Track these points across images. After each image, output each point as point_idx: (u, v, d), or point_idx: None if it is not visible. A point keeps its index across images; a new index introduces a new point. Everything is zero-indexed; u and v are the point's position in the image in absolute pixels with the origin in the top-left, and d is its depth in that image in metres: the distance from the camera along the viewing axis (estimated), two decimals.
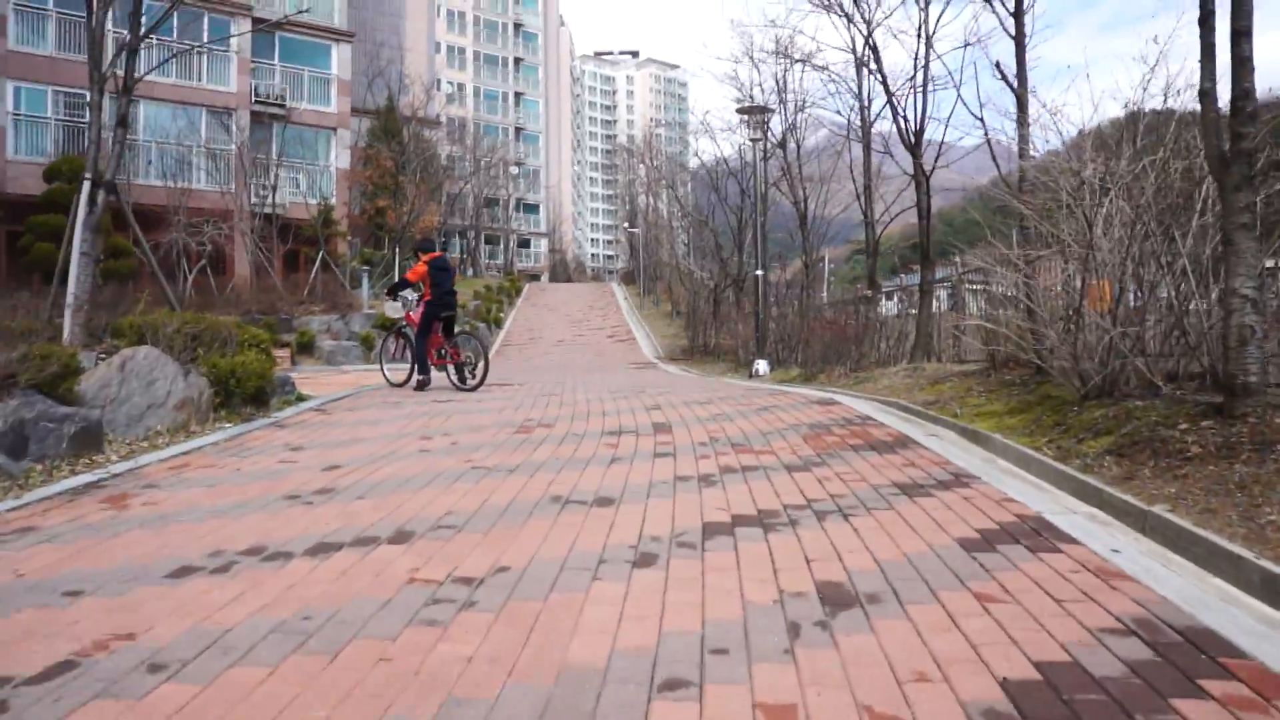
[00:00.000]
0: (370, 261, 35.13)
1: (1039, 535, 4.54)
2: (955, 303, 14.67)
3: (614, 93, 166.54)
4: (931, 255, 14.00)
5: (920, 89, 13.88)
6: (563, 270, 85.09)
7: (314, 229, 33.61)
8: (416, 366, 12.70)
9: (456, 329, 13.55)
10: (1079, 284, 8.08)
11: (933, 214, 18.57)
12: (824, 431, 7.97)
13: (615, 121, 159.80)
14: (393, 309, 14.96)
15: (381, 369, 14.03)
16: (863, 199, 17.60)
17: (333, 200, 35.08)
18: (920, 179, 14.02)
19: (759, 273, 19.97)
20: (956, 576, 3.84)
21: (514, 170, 76.84)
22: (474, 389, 12.51)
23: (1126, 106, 7.91)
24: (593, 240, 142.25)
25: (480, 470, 6.20)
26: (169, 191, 30.02)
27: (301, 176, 36.11)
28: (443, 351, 12.86)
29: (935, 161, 13.44)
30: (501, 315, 41.76)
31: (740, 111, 20.41)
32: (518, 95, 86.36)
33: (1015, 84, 9.81)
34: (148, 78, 34.35)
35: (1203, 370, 7.64)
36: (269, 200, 33.41)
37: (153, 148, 33.19)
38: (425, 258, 12.82)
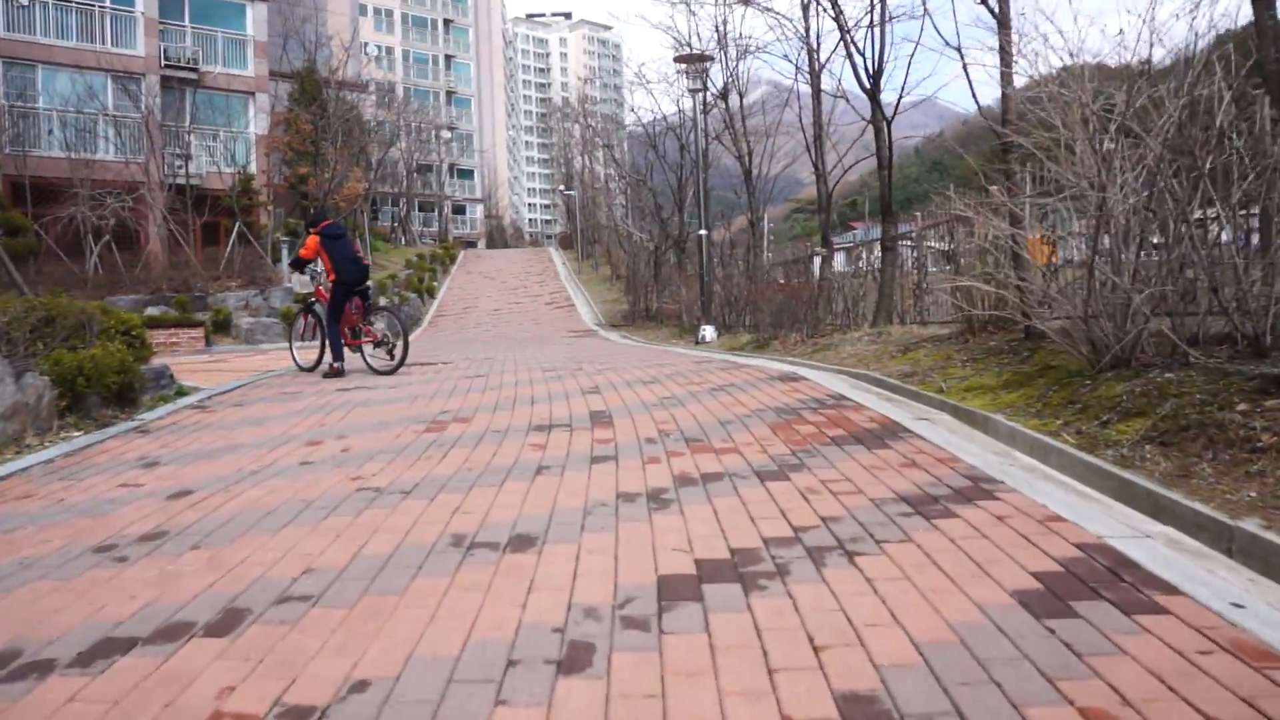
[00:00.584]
0: (295, 232, 33.30)
1: (1119, 580, 3.27)
2: (918, 259, 13.46)
3: (547, 55, 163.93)
4: (894, 208, 12.72)
5: (878, 23, 12.54)
6: (500, 236, 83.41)
7: (233, 200, 31.73)
8: (330, 350, 11.20)
9: (380, 302, 12.14)
10: (1094, 230, 6.84)
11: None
12: (794, 418, 6.70)
13: (550, 85, 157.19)
14: (302, 283, 13.48)
15: (290, 351, 12.54)
16: (813, 150, 16.30)
17: (252, 169, 33.14)
18: (880, 123, 12.72)
19: (702, 233, 18.71)
20: (1042, 674, 2.56)
21: (445, 135, 74.75)
22: (391, 372, 11.10)
23: (1144, 21, 6.64)
24: (530, 205, 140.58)
25: (368, 493, 4.83)
26: (71, 163, 28.03)
27: (218, 144, 34.13)
28: (358, 330, 11.41)
29: (896, 106, 12.09)
30: (435, 284, 40.15)
31: (678, 60, 19.01)
32: (448, 58, 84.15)
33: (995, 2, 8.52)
34: (44, 40, 32.31)
35: (1232, 332, 6.47)
36: (183, 170, 31.44)
37: (53, 116, 31.06)
38: (315, 230, 11.35)
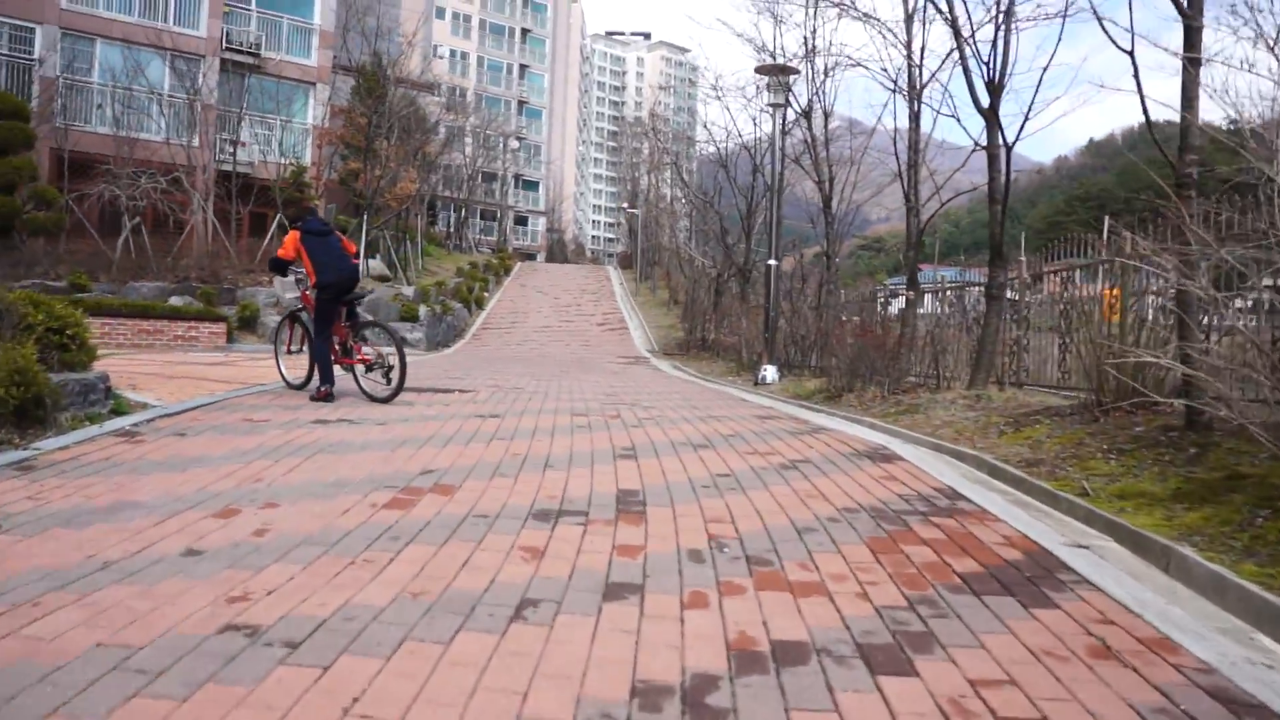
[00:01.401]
0: (344, 229, 31.92)
1: None
2: (1020, 311, 11.48)
3: (623, 74, 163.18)
4: (1003, 250, 10.73)
5: (1003, 17, 10.44)
6: (560, 251, 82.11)
7: (284, 190, 30.37)
8: (317, 371, 9.49)
9: (368, 317, 10.43)
10: None
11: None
12: (900, 530, 4.78)
13: (623, 104, 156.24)
14: (285, 285, 11.76)
15: (277, 364, 10.76)
16: (905, 178, 14.36)
17: (306, 160, 31.78)
18: (997, 149, 10.74)
19: (772, 263, 16.81)
20: None
21: (513, 144, 73.63)
22: (388, 400, 9.36)
23: None
24: (594, 222, 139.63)
25: (235, 638, 3.00)
26: (116, 140, 26.80)
27: (273, 133, 32.86)
28: (349, 347, 9.62)
29: (1021, 128, 10.05)
30: (485, 295, 38.57)
31: (760, 71, 17.19)
32: (523, 68, 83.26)
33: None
34: (105, 14, 31.24)
35: None
36: (231, 157, 30.15)
37: (107, 91, 29.86)
38: (295, 226, 9.73)
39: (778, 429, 8.41)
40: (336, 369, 9.58)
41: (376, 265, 30.68)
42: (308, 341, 9.92)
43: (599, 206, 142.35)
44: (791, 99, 17.73)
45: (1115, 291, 9.23)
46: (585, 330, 32.88)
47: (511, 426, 7.71)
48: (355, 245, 10.18)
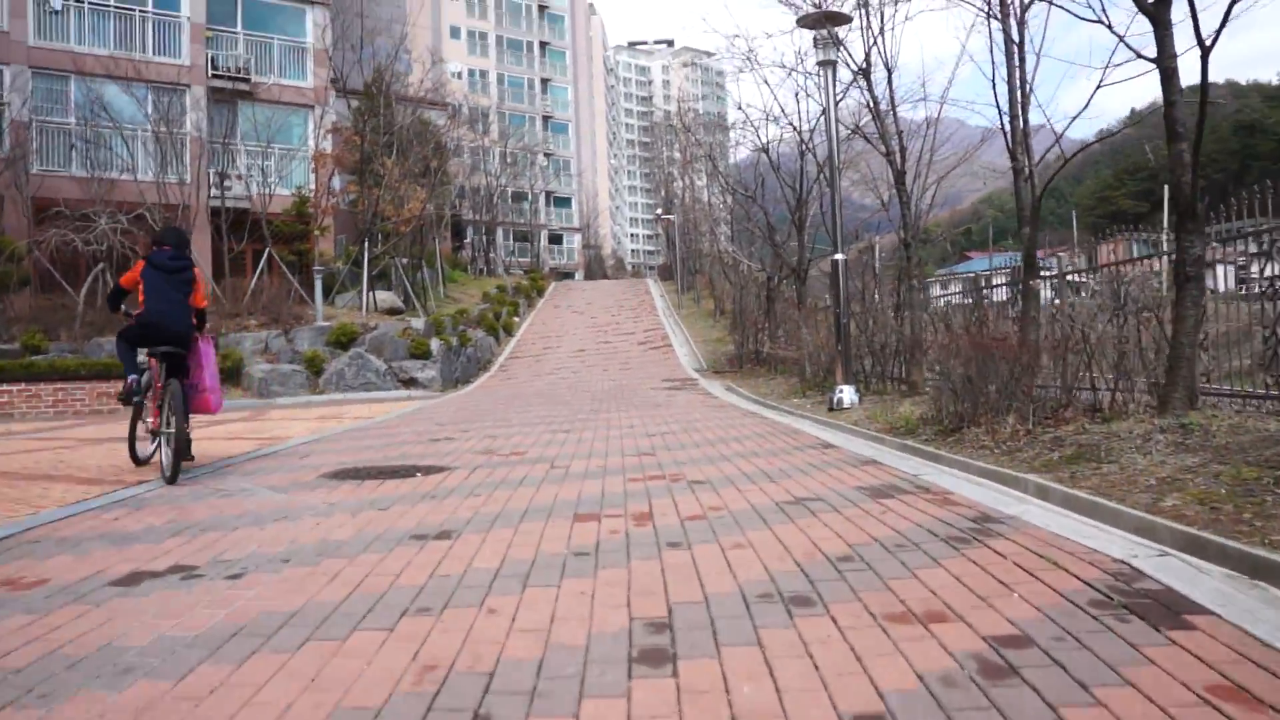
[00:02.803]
0: (358, 261, 28.96)
1: None
2: (1189, 295, 8.05)
3: (649, 83, 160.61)
4: (1197, 209, 7.32)
5: None
6: (599, 267, 79.39)
7: (285, 224, 27.51)
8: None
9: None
10: None
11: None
12: None
13: (652, 113, 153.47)
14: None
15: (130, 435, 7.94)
16: (1011, 131, 10.93)
17: (308, 188, 28.80)
18: (1171, 59, 7.33)
19: (838, 257, 13.48)
20: None
21: (540, 161, 70.85)
22: (172, 480, 7.10)
23: None
24: (632, 236, 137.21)
25: None
26: (93, 182, 24.11)
27: (271, 163, 30.08)
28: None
29: (1219, 31, 6.60)
30: (515, 320, 35.53)
31: (803, 24, 13.90)
32: (545, 81, 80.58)
33: None
34: (76, 48, 28.57)
35: None
36: (222, 191, 27.36)
37: (84, 131, 27.15)
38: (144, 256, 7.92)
39: (913, 518, 5.07)
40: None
41: (385, 297, 27.63)
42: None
43: (636, 219, 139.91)
44: (845, 56, 14.40)
45: None
46: (624, 351, 29.66)
47: (455, 569, 4.40)
48: (204, 296, 8.19)
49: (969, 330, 10.16)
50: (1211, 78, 7.20)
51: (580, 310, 40.45)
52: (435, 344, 22.78)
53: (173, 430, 7.20)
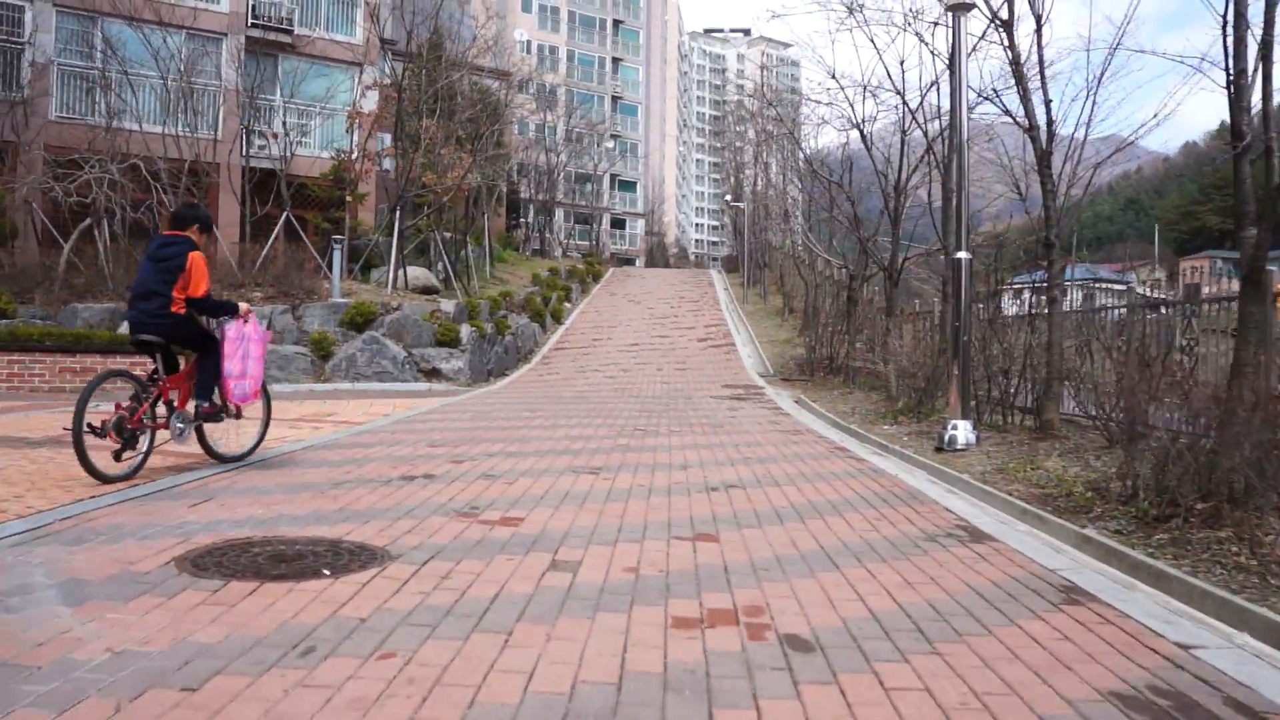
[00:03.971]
0: (402, 234, 26.29)
1: None
2: None
3: (723, 70, 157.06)
4: None
5: None
6: (661, 255, 76.57)
7: (322, 189, 24.95)
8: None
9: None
10: None
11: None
12: None
13: (724, 101, 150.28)
14: None
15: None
16: (1232, 90, 7.79)
17: (353, 153, 26.08)
18: None
19: (962, 255, 10.47)
20: None
21: (608, 143, 68.09)
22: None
23: None
24: (697, 225, 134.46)
25: None
26: (110, 133, 21.71)
27: (313, 123, 27.58)
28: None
29: None
30: (566, 306, 32.77)
31: None
32: (615, 61, 77.68)
33: None
34: None
35: None
36: (263, 149, 24.85)
37: (110, 77, 24.77)
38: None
39: None
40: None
41: (418, 274, 24.85)
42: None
43: (701, 209, 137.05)
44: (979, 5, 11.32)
45: None
46: (682, 348, 26.72)
47: None
48: (201, 281, 7.31)
49: (1182, 372, 7.11)
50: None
51: (638, 300, 37.58)
52: (466, 330, 19.95)
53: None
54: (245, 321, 7.70)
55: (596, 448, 9.63)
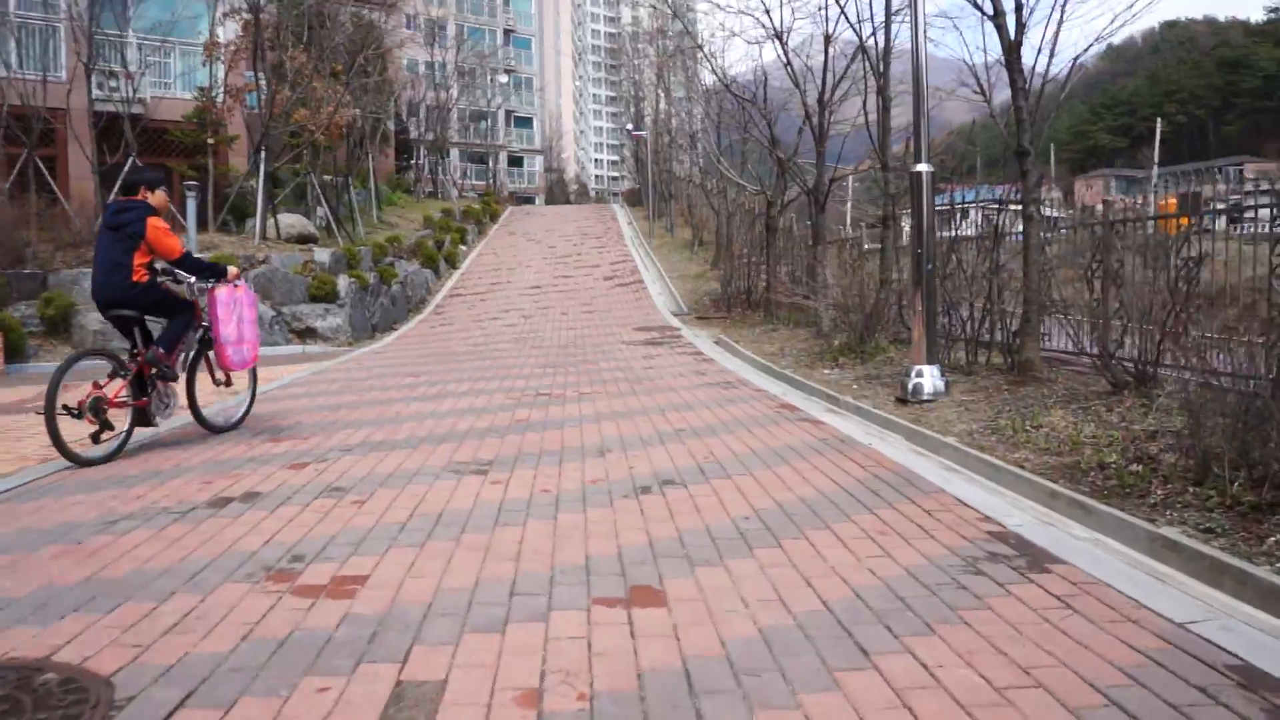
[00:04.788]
0: (277, 179, 23.69)
1: None
2: None
3: (617, 2, 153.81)
4: None
5: None
6: (561, 192, 74.39)
7: (185, 133, 22.25)
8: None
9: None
10: None
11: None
12: None
13: (620, 34, 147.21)
14: None
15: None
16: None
17: (213, 89, 23.27)
18: None
19: (922, 167, 8.67)
20: None
21: (502, 78, 65.06)
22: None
23: None
24: (596, 161, 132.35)
25: None
26: None
27: (171, 60, 24.74)
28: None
29: None
30: (461, 249, 30.50)
31: None
32: None
33: None
34: None
35: None
36: (113, 91, 21.95)
37: None
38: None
39: None
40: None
41: (292, 221, 22.32)
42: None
43: (601, 145, 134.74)
44: None
45: None
46: (589, 288, 24.73)
47: None
48: (169, 243, 6.98)
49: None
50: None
51: (538, 238, 35.42)
52: (345, 282, 17.65)
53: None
54: (235, 285, 7.50)
55: (489, 426, 7.69)
